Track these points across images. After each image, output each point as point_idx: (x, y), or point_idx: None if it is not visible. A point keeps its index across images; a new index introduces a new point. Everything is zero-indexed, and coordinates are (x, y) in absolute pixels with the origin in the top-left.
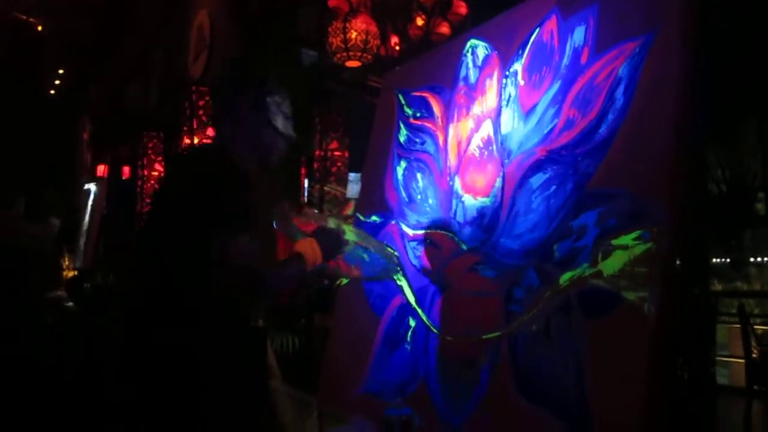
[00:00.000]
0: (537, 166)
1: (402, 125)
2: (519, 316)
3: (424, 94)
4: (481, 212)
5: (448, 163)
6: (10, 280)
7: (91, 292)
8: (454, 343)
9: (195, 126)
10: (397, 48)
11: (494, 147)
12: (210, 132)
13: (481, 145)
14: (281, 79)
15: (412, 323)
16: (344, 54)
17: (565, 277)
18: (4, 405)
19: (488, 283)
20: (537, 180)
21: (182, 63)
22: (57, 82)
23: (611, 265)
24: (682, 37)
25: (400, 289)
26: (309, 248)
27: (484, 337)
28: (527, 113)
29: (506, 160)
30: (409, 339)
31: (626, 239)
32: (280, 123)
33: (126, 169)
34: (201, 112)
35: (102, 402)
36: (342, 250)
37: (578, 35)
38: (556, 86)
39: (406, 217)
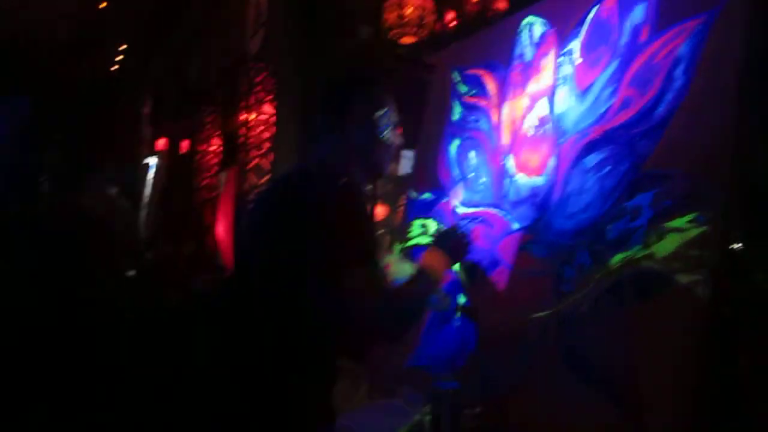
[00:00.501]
0: (592, 146)
1: (456, 103)
2: (569, 296)
3: (479, 72)
4: (534, 191)
5: (501, 142)
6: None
7: (152, 262)
8: (503, 321)
9: (252, 102)
10: (453, 24)
11: (549, 126)
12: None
13: (536, 124)
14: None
15: (462, 299)
16: (399, 30)
17: (617, 258)
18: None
19: (539, 263)
20: (591, 160)
21: (240, 39)
22: (118, 58)
23: (664, 247)
24: (746, 16)
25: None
26: (432, 260)
27: (533, 315)
28: (583, 92)
29: (561, 140)
30: (459, 314)
31: (681, 222)
32: (389, 135)
33: (185, 144)
34: (258, 89)
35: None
36: (469, 248)
37: (638, 12)
38: (614, 65)
39: (458, 194)
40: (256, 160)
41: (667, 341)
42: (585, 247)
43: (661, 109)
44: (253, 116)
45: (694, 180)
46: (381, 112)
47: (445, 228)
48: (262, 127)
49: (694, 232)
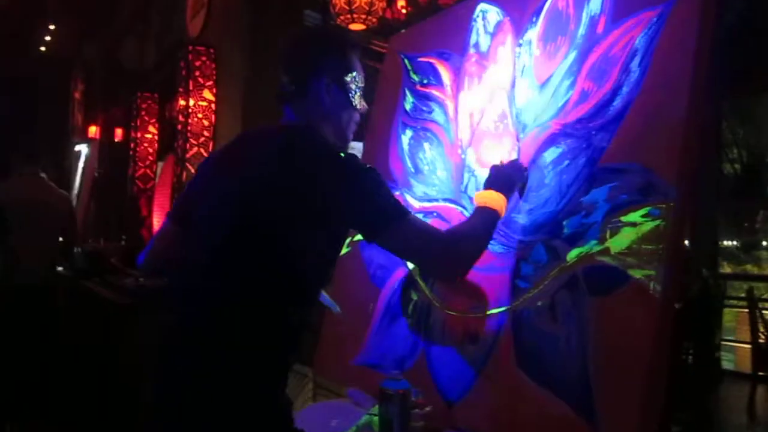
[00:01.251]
0: (551, 140)
1: (408, 92)
2: (525, 292)
3: (431, 60)
4: None
5: (459, 135)
6: (47, 240)
7: (81, 256)
8: (456, 318)
9: (191, 87)
10: (404, 11)
11: (509, 120)
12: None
13: (496, 118)
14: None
15: (414, 296)
16: (348, 16)
17: (573, 254)
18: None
19: (495, 258)
20: (550, 154)
21: (179, 21)
22: (48, 38)
23: (619, 242)
24: (701, 7)
25: (404, 263)
26: (488, 197)
27: (488, 312)
28: (542, 85)
29: (521, 134)
30: (410, 312)
31: (635, 216)
32: (357, 101)
33: (119, 131)
34: (198, 73)
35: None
36: (524, 178)
37: (595, 3)
38: (572, 57)
39: (411, 188)
40: (195, 150)
41: (623, 337)
42: (542, 243)
43: (617, 102)
44: (192, 103)
45: (649, 174)
46: (351, 75)
47: (498, 164)
48: (201, 115)
49: (649, 226)
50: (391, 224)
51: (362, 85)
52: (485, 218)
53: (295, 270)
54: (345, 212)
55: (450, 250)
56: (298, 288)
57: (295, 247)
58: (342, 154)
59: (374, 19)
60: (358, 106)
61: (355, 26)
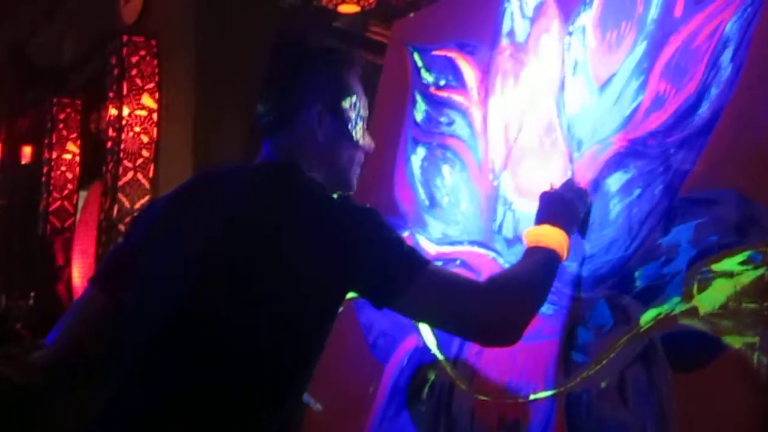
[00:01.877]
0: (616, 162)
1: (419, 97)
2: (583, 368)
3: (450, 54)
4: None
5: (490, 155)
6: None
7: None
8: (490, 404)
9: (125, 91)
10: None
11: (558, 134)
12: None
13: (540, 132)
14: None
15: (431, 375)
16: None
17: (649, 316)
18: None
19: (542, 323)
20: (615, 181)
21: (109, 5)
22: None
23: (710, 299)
24: None
25: (414, 326)
26: (543, 235)
27: (532, 396)
28: (602, 87)
29: (575, 154)
30: (425, 396)
31: (731, 263)
32: (359, 133)
33: (27, 150)
34: (134, 72)
35: None
36: (587, 206)
37: None
38: (641, 49)
39: (425, 226)
40: (131, 175)
41: (716, 427)
42: (606, 300)
43: (704, 110)
44: (126, 111)
45: (749, 205)
46: (350, 100)
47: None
48: (139, 128)
49: (750, 276)
50: (410, 282)
51: (366, 113)
52: (541, 259)
53: (274, 358)
54: (344, 275)
55: (497, 303)
56: (278, 382)
57: (275, 328)
58: (335, 196)
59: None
60: (360, 141)
61: (346, 8)
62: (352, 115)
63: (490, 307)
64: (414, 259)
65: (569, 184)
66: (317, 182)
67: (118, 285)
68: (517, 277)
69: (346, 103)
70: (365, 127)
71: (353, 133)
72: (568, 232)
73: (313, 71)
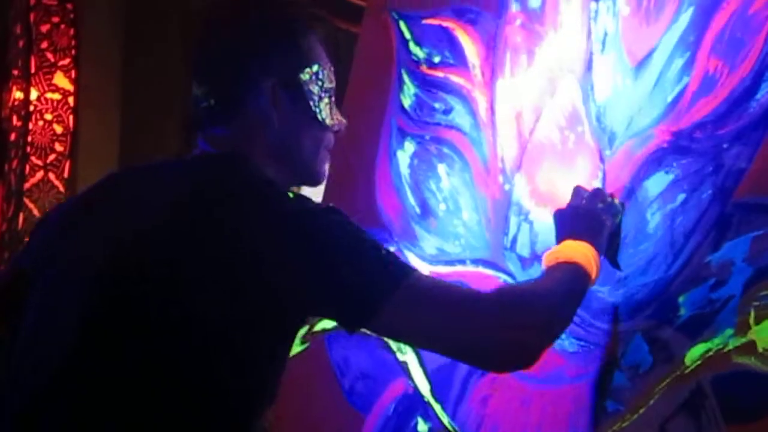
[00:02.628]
0: (656, 160)
1: (407, 77)
2: (615, 419)
3: (446, 23)
4: None
5: (499, 152)
6: None
7: None
8: None
9: (34, 69)
10: None
11: (585, 126)
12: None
13: (563, 123)
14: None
15: (424, 427)
16: None
17: (695, 353)
18: None
19: (565, 362)
20: (655, 184)
21: None
22: None
23: None
24: None
25: (403, 367)
26: (568, 250)
27: None
28: (638, 66)
29: (607, 151)
30: None
31: None
32: (325, 111)
33: None
34: (45, 44)
35: None
36: (617, 219)
37: None
38: (686, 18)
39: (416, 241)
40: (41, 174)
41: None
42: (642, 334)
43: (762, 94)
44: (34, 94)
45: None
46: (310, 70)
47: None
48: (51, 116)
49: None
50: (389, 293)
51: (332, 84)
52: (565, 274)
53: (210, 394)
54: (301, 290)
55: (508, 315)
56: (215, 424)
57: (210, 356)
58: (291, 195)
59: None
60: (327, 121)
61: None
62: (315, 88)
63: (498, 320)
64: (393, 265)
65: (597, 192)
66: (264, 176)
67: (3, 316)
68: (534, 290)
69: (305, 75)
70: (332, 101)
71: (317, 112)
72: (596, 246)
73: (260, 37)
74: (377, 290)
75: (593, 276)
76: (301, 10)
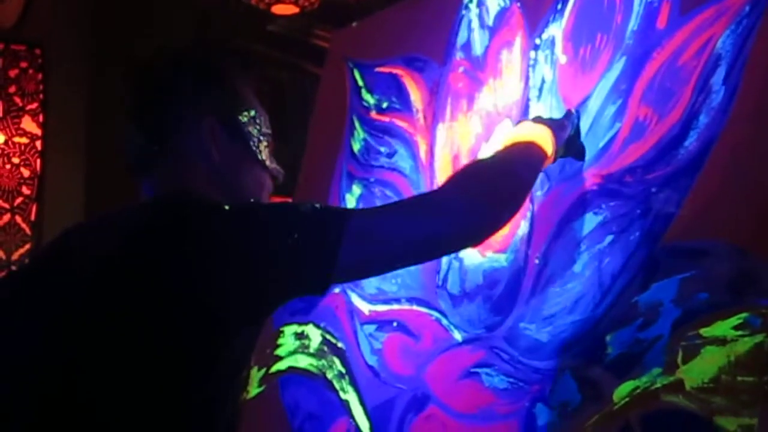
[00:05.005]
0: (585, 202)
1: (357, 123)
2: None
3: (396, 71)
4: (492, 278)
5: None
6: None
7: None
8: None
9: (1, 113)
10: None
11: None
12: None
13: None
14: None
15: None
16: None
17: (624, 391)
18: None
19: (495, 399)
20: (585, 225)
21: None
22: None
23: (699, 370)
24: None
25: (345, 406)
26: (531, 130)
27: None
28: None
29: (537, 192)
30: None
31: (723, 327)
32: (264, 153)
33: None
34: (13, 89)
35: None
36: (574, 125)
37: None
38: (619, 67)
39: (359, 281)
40: (7, 217)
41: None
42: (570, 372)
43: (690, 141)
44: (2, 138)
45: (746, 258)
46: (248, 114)
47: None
48: (18, 159)
49: (746, 344)
50: (340, 231)
51: (269, 131)
52: (518, 148)
53: (177, 408)
54: (261, 281)
55: (466, 186)
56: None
57: (182, 372)
58: (226, 207)
59: None
60: (267, 162)
61: (282, 8)
62: (253, 130)
63: (458, 194)
64: (332, 209)
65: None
66: (206, 199)
67: None
68: (485, 161)
69: (243, 117)
70: (271, 149)
71: (257, 152)
72: (557, 137)
73: (197, 79)
74: (328, 234)
75: (550, 157)
76: (235, 59)
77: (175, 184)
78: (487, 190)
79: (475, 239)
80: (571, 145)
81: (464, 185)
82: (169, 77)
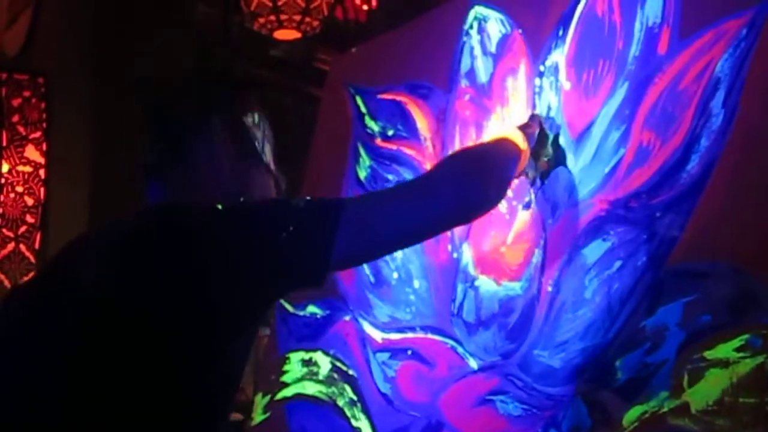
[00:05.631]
0: (593, 229)
1: (363, 150)
2: None
3: (399, 98)
4: (507, 306)
5: None
6: None
7: None
8: None
9: (5, 142)
10: (365, 9)
11: (531, 195)
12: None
13: (511, 194)
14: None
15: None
16: (272, 18)
17: (633, 415)
18: None
19: (510, 427)
20: (593, 252)
21: None
22: None
23: (703, 393)
24: None
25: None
26: (509, 132)
27: None
28: (578, 139)
29: (549, 220)
30: None
31: (726, 349)
32: (267, 156)
33: None
34: (16, 118)
35: None
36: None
37: (652, 8)
38: (621, 92)
39: (371, 309)
40: (12, 246)
41: None
42: (582, 397)
43: (692, 165)
44: (6, 167)
45: (746, 279)
46: (252, 117)
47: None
48: (22, 188)
49: (747, 365)
50: (335, 221)
51: (272, 137)
52: (495, 140)
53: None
54: (260, 274)
55: (452, 169)
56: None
57: (188, 367)
58: (219, 207)
59: (315, 23)
60: (271, 165)
61: (284, 33)
62: (258, 134)
63: (448, 177)
64: (325, 201)
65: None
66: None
67: None
68: (469, 147)
69: (248, 119)
70: (274, 154)
71: (262, 155)
72: (522, 129)
73: (207, 86)
74: (323, 225)
75: (522, 150)
76: (238, 69)
77: (181, 189)
78: (473, 170)
79: (466, 217)
80: (547, 145)
81: (452, 167)
82: (178, 83)
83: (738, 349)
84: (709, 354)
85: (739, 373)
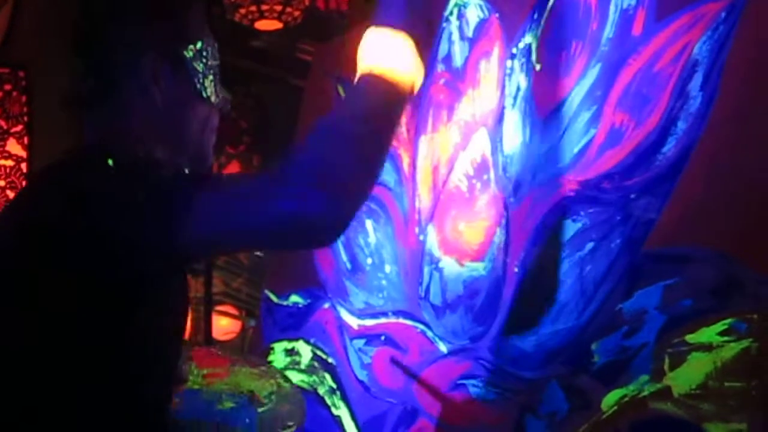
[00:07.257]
0: (563, 209)
1: None
2: None
3: None
4: (472, 288)
5: (417, 203)
6: None
7: None
8: None
9: None
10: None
11: (492, 175)
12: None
13: (472, 173)
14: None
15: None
16: (253, 9)
17: (612, 399)
18: None
19: (485, 410)
20: (563, 232)
21: None
22: None
23: (686, 377)
24: None
25: (337, 422)
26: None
27: None
28: (547, 118)
29: (511, 199)
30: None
31: (709, 333)
32: (210, 88)
33: None
34: None
35: None
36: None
37: None
38: (594, 73)
39: (347, 296)
40: None
41: None
42: (558, 381)
43: (669, 148)
44: None
45: (729, 264)
46: (193, 48)
47: None
48: (3, 181)
49: (732, 350)
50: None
51: (216, 62)
52: (382, 98)
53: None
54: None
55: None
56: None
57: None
58: (110, 161)
59: (297, 13)
60: (212, 98)
61: (266, 24)
62: (199, 66)
63: (311, 188)
64: (187, 182)
65: None
66: (108, 173)
67: None
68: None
69: (188, 52)
70: (218, 78)
71: (202, 89)
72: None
73: (139, 11)
74: (174, 204)
75: (410, 88)
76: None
77: (110, 129)
78: (341, 181)
79: (323, 239)
80: None
81: (316, 172)
82: (108, 10)
83: (722, 333)
84: (691, 338)
85: (723, 358)
